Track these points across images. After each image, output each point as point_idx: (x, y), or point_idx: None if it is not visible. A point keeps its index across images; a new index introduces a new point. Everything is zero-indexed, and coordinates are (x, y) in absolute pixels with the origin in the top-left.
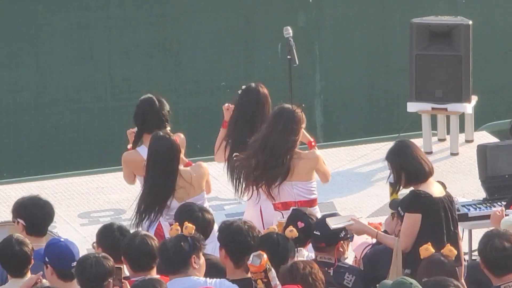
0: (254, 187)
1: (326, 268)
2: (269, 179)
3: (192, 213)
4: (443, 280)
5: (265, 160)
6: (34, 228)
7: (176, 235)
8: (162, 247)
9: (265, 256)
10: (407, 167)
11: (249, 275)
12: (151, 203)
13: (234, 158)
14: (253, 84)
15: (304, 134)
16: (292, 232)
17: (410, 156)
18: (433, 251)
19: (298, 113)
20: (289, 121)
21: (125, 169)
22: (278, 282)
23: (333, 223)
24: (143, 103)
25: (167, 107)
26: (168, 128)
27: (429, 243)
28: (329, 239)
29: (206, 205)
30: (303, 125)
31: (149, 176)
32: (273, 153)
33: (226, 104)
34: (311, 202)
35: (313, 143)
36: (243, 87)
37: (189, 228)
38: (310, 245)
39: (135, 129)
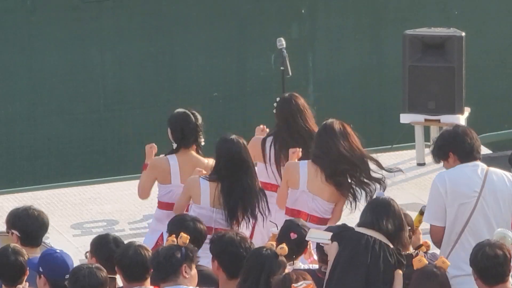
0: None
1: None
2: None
3: (183, 222)
4: None
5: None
6: (29, 239)
7: (170, 244)
8: (155, 254)
9: (311, 286)
10: None
11: None
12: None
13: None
14: (287, 95)
15: None
16: (282, 249)
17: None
18: (426, 262)
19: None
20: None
21: (149, 174)
22: None
23: (313, 235)
24: (179, 119)
25: (200, 118)
26: (203, 141)
27: (421, 255)
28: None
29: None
30: None
31: (231, 179)
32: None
33: (262, 126)
34: (323, 221)
35: None
36: (278, 99)
37: (184, 238)
38: (302, 257)
39: (154, 145)
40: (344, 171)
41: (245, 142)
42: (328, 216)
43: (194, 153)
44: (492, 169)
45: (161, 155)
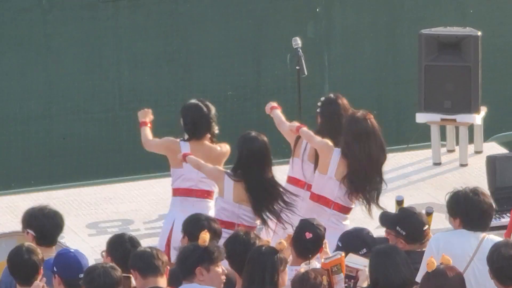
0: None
1: (347, 280)
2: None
3: (198, 222)
4: None
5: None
6: (44, 239)
7: (191, 243)
8: (178, 253)
9: (340, 259)
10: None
11: None
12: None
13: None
14: (332, 95)
15: None
16: (281, 244)
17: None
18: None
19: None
20: (381, 139)
21: (160, 146)
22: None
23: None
24: (191, 111)
25: (213, 109)
26: (216, 130)
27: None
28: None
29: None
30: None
31: (255, 176)
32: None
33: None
34: (347, 210)
35: None
36: (322, 99)
37: (202, 239)
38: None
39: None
40: (360, 187)
41: (266, 139)
42: (352, 206)
43: (207, 142)
44: (490, 236)
45: (174, 139)
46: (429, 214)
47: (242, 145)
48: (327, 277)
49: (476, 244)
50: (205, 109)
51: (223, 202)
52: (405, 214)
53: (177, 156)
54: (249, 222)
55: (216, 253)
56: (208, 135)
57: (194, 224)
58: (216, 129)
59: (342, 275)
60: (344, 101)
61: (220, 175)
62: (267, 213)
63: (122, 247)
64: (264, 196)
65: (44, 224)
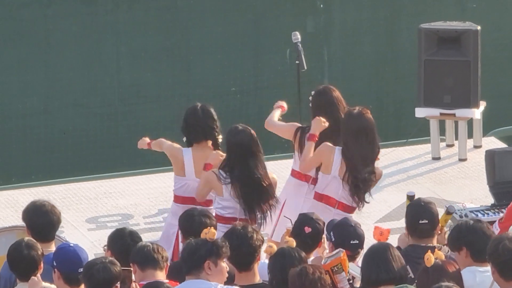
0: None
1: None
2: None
3: (191, 217)
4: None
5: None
6: (38, 235)
7: (199, 238)
8: (184, 246)
9: (341, 258)
10: None
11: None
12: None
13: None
14: (322, 87)
15: None
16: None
17: None
18: (433, 260)
19: (372, 121)
20: (373, 135)
21: (167, 152)
22: (346, 286)
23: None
24: (186, 113)
25: (214, 114)
26: (220, 138)
27: (435, 249)
28: (362, 247)
29: None
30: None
31: (234, 173)
32: (366, 166)
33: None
34: (351, 209)
35: None
36: (313, 92)
37: (210, 233)
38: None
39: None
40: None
41: (253, 132)
42: (355, 205)
43: (210, 149)
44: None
45: (179, 146)
46: (449, 213)
47: (229, 138)
48: (329, 277)
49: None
50: (200, 112)
51: (222, 200)
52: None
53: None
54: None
55: (224, 248)
56: (209, 142)
57: (188, 219)
58: (219, 138)
59: (344, 274)
60: (336, 93)
61: (213, 176)
62: (257, 212)
63: (122, 242)
64: (252, 195)
65: (35, 221)
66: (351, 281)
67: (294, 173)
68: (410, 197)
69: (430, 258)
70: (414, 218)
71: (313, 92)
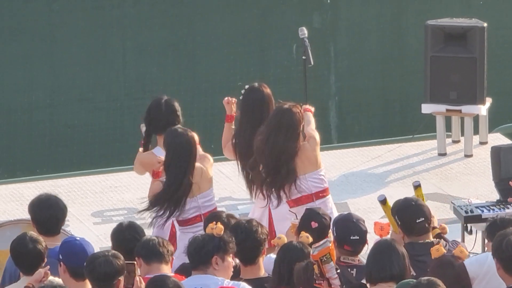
0: (266, 193)
1: (349, 269)
2: (278, 185)
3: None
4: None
5: (273, 166)
6: (43, 228)
7: (206, 233)
8: (190, 242)
9: (329, 248)
10: None
11: None
12: (169, 201)
13: (247, 166)
14: (256, 84)
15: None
16: (307, 238)
17: None
18: (444, 251)
19: (297, 116)
20: (289, 128)
21: (140, 169)
22: (334, 276)
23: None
24: (151, 104)
25: (176, 110)
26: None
27: (440, 243)
28: (364, 243)
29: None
30: (302, 123)
31: (169, 174)
32: (278, 161)
33: (226, 98)
34: (325, 191)
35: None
36: (246, 87)
37: (218, 229)
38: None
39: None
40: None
41: (192, 135)
42: (326, 185)
43: None
44: None
45: (146, 152)
46: (416, 187)
47: (167, 141)
48: (317, 267)
49: None
50: (163, 106)
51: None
52: (403, 204)
53: (156, 166)
54: (212, 206)
55: (231, 244)
56: None
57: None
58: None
59: (332, 264)
60: (268, 91)
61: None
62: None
63: (121, 236)
64: (167, 196)
65: (40, 215)
66: (338, 271)
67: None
68: (416, 187)
69: (441, 249)
70: (411, 218)
71: (246, 87)
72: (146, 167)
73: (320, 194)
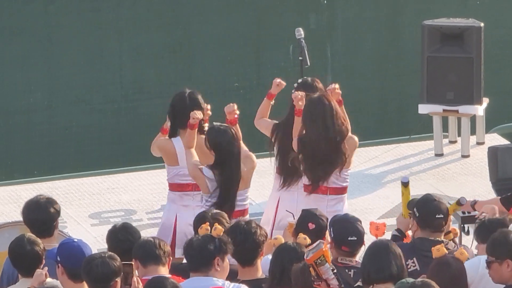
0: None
1: (347, 270)
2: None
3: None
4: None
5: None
6: (37, 230)
7: (204, 235)
8: (188, 244)
9: (322, 250)
10: None
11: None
12: (226, 196)
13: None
14: (309, 79)
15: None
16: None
17: None
18: (446, 251)
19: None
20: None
21: (157, 151)
22: (331, 276)
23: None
24: (174, 98)
25: (200, 103)
26: (206, 125)
27: (442, 244)
28: (361, 244)
29: (247, 201)
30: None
31: (221, 170)
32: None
33: (278, 80)
34: (342, 190)
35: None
36: (299, 80)
37: (218, 229)
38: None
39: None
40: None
41: (234, 131)
42: (346, 184)
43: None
44: None
45: (166, 137)
46: (460, 204)
47: (210, 139)
48: (313, 270)
49: None
50: (187, 99)
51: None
52: (425, 198)
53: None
54: (244, 206)
55: (229, 244)
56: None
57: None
58: (205, 125)
59: (327, 265)
60: (320, 86)
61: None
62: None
63: (115, 237)
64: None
65: (31, 217)
66: (334, 271)
67: (278, 170)
68: (405, 183)
69: (441, 250)
70: (431, 212)
71: (299, 81)
72: (162, 152)
73: (337, 191)
